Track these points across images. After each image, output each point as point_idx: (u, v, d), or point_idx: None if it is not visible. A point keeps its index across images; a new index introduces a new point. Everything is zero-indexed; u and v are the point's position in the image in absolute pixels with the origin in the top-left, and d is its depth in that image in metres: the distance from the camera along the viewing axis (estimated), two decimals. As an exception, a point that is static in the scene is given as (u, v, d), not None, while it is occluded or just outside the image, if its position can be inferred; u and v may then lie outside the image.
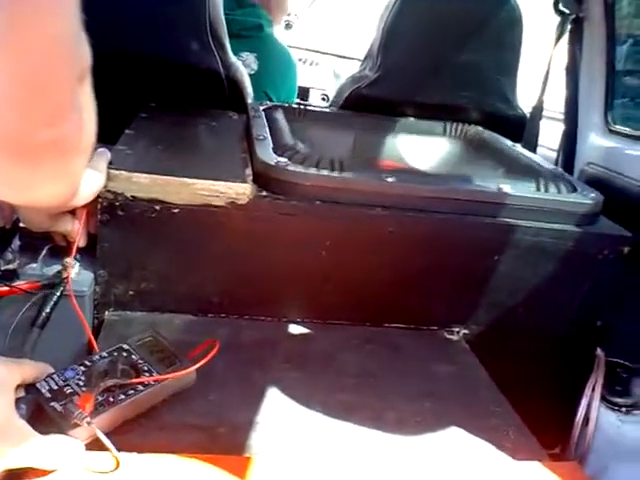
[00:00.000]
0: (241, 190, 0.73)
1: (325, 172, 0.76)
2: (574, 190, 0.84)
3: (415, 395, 0.70)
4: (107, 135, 0.62)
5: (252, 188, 0.74)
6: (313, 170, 0.76)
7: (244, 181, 0.74)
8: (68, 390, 0.56)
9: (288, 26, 2.28)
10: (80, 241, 0.72)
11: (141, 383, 0.59)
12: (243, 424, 0.61)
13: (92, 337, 0.67)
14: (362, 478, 0.55)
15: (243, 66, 1.20)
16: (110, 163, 0.71)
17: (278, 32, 1.72)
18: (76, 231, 0.71)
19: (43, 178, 0.47)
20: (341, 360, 0.74)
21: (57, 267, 0.73)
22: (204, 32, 1.09)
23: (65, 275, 0.71)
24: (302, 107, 1.13)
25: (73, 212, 0.70)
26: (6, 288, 0.71)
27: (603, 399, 0.86)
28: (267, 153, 0.80)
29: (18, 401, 0.52)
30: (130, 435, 0.56)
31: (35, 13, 0.33)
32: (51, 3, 0.34)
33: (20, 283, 0.71)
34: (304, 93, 2.19)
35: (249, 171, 0.79)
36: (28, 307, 0.71)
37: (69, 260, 0.71)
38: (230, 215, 0.74)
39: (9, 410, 0.50)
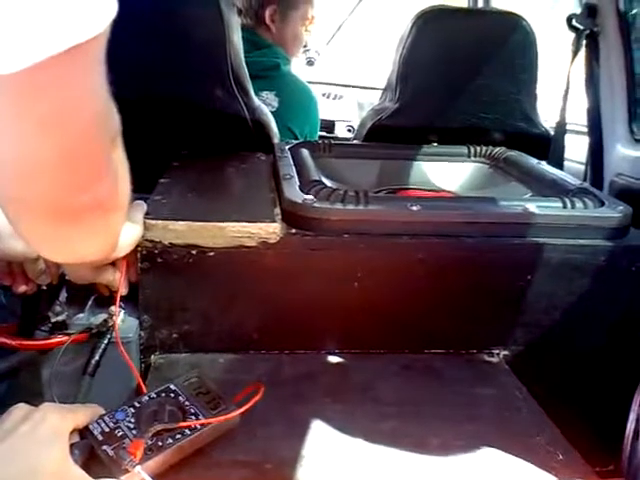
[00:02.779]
0: (271, 229, 0.75)
1: (351, 206, 0.78)
2: (602, 204, 0.84)
3: (457, 419, 0.70)
4: (142, 185, 0.65)
5: (281, 227, 0.77)
6: (339, 205, 0.78)
7: (273, 220, 0.77)
8: (119, 433, 0.58)
9: (310, 63, 2.32)
10: (122, 290, 0.75)
11: (188, 427, 0.60)
12: (289, 459, 0.62)
13: (141, 381, 0.70)
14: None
15: (264, 105, 1.24)
16: (147, 213, 0.74)
17: (301, 69, 1.74)
18: (118, 281, 0.74)
19: (84, 237, 0.50)
20: (381, 389, 0.75)
21: (103, 316, 0.76)
22: (227, 79, 1.13)
23: (111, 323, 0.75)
24: (326, 142, 1.15)
25: (114, 263, 0.73)
26: (57, 339, 0.74)
27: (652, 412, 0.84)
28: (294, 191, 0.82)
29: (72, 447, 0.55)
30: (179, 474, 0.58)
31: (75, 98, 0.36)
32: (86, 90, 0.37)
33: (70, 333, 0.75)
34: (330, 126, 2.23)
35: (278, 210, 0.81)
36: (78, 355, 0.74)
37: (114, 309, 0.75)
38: (262, 254, 0.76)
39: (65, 458, 0.53)
